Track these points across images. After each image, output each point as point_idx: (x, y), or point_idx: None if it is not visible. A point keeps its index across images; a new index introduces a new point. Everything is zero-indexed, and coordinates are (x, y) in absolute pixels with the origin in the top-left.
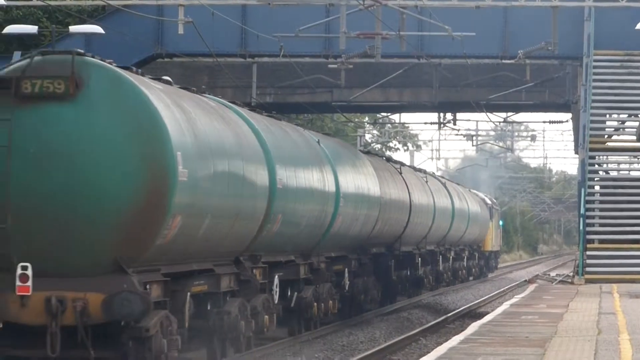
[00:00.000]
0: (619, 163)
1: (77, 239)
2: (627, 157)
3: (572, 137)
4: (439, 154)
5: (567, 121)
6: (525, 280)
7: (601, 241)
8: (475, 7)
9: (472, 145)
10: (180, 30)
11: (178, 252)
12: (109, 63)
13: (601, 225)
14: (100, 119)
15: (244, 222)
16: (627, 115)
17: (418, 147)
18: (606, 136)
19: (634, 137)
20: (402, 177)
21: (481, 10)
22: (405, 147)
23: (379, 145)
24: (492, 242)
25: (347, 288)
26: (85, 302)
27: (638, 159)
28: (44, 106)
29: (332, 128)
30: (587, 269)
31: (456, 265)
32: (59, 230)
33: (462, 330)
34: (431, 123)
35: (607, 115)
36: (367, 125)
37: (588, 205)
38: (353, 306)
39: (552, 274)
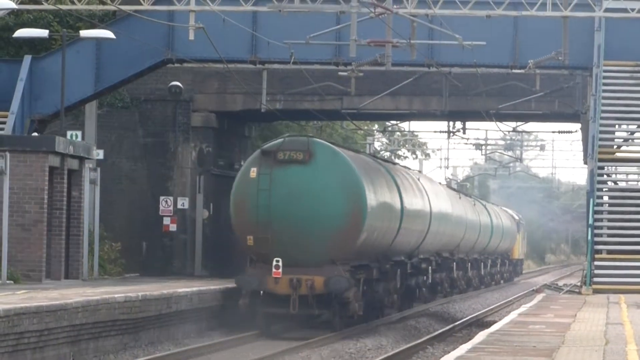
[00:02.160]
0: (627, 174)
1: (309, 245)
2: (636, 167)
3: (581, 147)
4: (447, 162)
5: (576, 131)
6: (533, 290)
7: (609, 251)
8: (486, 16)
9: (481, 155)
10: (191, 36)
11: (358, 253)
12: (326, 141)
13: (609, 235)
14: (324, 175)
15: (388, 234)
16: (636, 125)
17: (427, 156)
18: (615, 147)
19: None
20: (461, 201)
21: (492, 20)
22: (414, 156)
23: (387, 153)
24: (519, 251)
25: (430, 279)
26: (313, 281)
27: None
28: (290, 167)
29: (342, 135)
30: (595, 279)
31: (492, 270)
32: (299, 239)
33: (470, 339)
34: (440, 132)
35: (617, 126)
36: (377, 133)
37: (596, 216)
38: (432, 292)
39: (560, 283)
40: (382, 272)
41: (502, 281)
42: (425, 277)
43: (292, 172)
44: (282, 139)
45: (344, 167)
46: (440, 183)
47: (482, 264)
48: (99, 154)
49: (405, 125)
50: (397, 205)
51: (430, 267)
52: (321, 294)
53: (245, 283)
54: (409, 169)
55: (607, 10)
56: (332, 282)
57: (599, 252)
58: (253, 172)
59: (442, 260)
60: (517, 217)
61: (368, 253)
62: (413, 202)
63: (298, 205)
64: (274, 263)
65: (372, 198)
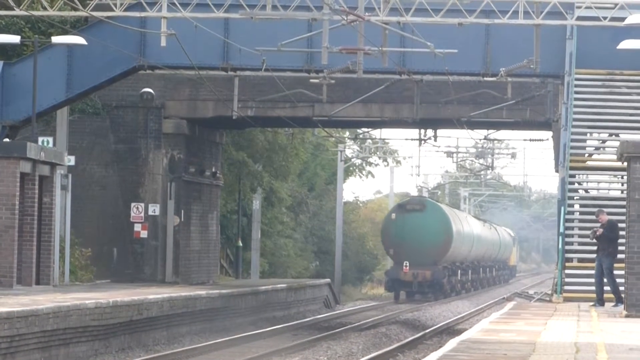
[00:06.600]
0: (599, 182)
1: (423, 254)
2: (607, 176)
3: (552, 156)
4: (419, 170)
5: (547, 139)
6: (504, 298)
7: (580, 260)
8: (458, 24)
9: (453, 162)
10: (163, 43)
11: (445, 259)
12: (431, 199)
13: (580, 244)
14: (431, 217)
15: (458, 249)
16: (607, 134)
17: (398, 163)
18: (587, 155)
19: (614, 157)
20: (484, 227)
21: (463, 28)
22: (385, 163)
23: (359, 161)
24: (514, 259)
25: (470, 278)
26: (425, 273)
27: (618, 178)
28: (413, 213)
29: (313, 142)
30: (566, 287)
31: (499, 273)
32: (417, 251)
33: (441, 347)
34: (412, 139)
35: (588, 134)
36: (348, 141)
37: (567, 224)
38: (471, 287)
39: (531, 291)
40: (452, 270)
41: (502, 281)
42: (468, 276)
43: (414, 216)
44: (409, 198)
45: (441, 213)
46: (473, 216)
47: (493, 268)
48: (70, 160)
49: (376, 133)
50: (462, 233)
51: (470, 270)
52: (429, 281)
53: (390, 275)
54: (460, 210)
55: (578, 18)
56: (436, 274)
57: (570, 260)
58: (393, 215)
59: (474, 267)
60: (513, 234)
61: (449, 259)
62: (467, 231)
63: (417, 233)
64: (404, 264)
65: (455, 230)
